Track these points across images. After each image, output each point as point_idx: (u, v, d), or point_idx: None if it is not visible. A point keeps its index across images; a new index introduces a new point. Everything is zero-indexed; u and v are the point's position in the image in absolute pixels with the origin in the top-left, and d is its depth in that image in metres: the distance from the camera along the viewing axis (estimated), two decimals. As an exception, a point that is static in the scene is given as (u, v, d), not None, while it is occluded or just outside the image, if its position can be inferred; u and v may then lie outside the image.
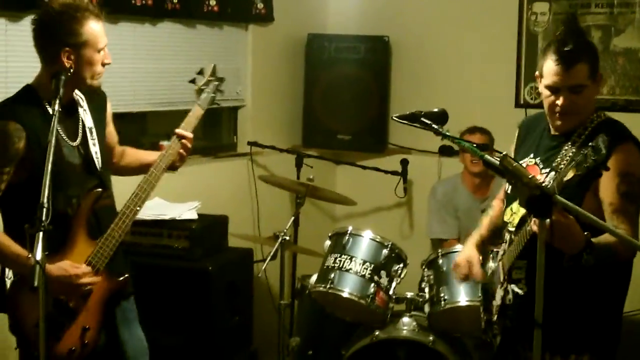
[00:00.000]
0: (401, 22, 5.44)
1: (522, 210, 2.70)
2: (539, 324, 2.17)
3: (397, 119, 2.65)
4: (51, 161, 2.46)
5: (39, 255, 2.28)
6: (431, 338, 3.74)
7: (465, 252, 3.13)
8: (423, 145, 5.22)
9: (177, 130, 3.12)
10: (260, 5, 5.00)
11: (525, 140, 2.93)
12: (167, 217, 4.04)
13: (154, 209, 4.09)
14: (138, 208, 2.96)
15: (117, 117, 4.41)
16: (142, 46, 4.37)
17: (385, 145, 5.47)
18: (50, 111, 2.69)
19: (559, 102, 2.68)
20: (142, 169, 3.15)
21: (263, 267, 4.04)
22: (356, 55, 5.34)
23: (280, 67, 5.34)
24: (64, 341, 2.83)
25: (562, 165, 2.60)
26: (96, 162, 2.93)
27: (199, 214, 4.17)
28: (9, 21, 3.71)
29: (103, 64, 2.89)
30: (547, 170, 2.71)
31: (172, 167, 3.15)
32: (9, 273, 2.84)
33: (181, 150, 3.13)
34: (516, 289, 2.71)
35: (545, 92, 2.72)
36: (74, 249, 2.85)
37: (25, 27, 3.73)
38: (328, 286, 3.74)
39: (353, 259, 3.78)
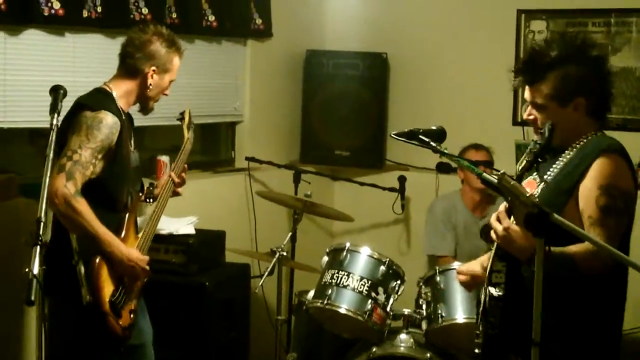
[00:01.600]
0: (400, 39, 5.46)
1: None
2: (536, 343, 2.16)
3: (395, 137, 2.66)
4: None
5: (36, 269, 2.27)
6: (428, 355, 3.73)
7: (468, 264, 3.10)
8: (421, 162, 5.23)
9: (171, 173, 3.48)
10: (258, 21, 5.02)
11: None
12: (164, 232, 4.03)
13: (151, 223, 4.09)
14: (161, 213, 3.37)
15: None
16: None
17: (383, 161, 5.48)
18: (126, 119, 3.16)
19: (525, 115, 2.77)
20: None
21: (260, 283, 4.04)
22: (354, 71, 5.36)
23: (279, 83, 5.36)
24: (122, 318, 3.08)
25: (550, 176, 2.64)
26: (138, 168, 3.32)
27: (196, 229, 4.17)
28: (8, 34, 3.72)
29: (164, 94, 3.32)
30: (540, 181, 2.73)
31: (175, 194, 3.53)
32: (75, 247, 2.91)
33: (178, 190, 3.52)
34: (492, 290, 2.66)
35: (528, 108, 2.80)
36: (128, 239, 3.17)
37: (23, 40, 3.77)
38: (325, 302, 3.73)
39: (350, 275, 3.77)
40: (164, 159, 4.52)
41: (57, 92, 2.73)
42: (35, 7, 3.70)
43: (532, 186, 2.71)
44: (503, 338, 2.69)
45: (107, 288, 3.02)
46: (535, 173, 2.79)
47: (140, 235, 3.25)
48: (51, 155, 2.57)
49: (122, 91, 3.20)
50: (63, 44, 3.95)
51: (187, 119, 3.69)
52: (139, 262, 3.13)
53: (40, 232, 2.33)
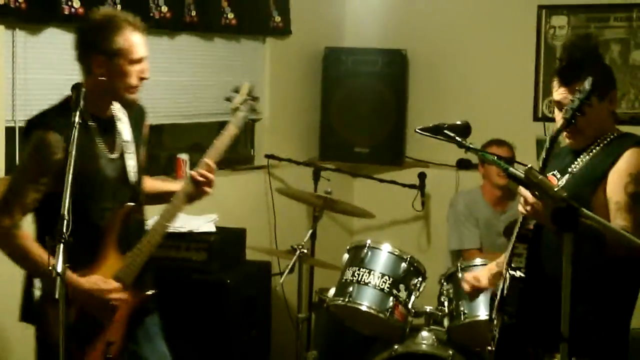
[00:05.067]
0: (419, 36, 5.44)
1: None
2: (565, 338, 2.13)
3: (420, 131, 2.65)
4: (73, 173, 2.46)
5: (60, 267, 2.28)
6: (450, 352, 3.71)
7: (475, 272, 3.17)
8: (441, 158, 5.21)
9: (192, 173, 3.00)
10: (277, 19, 5.01)
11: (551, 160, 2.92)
12: (185, 230, 4.03)
13: (172, 221, 4.09)
14: (167, 224, 2.92)
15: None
16: (160, 59, 4.36)
17: (403, 158, 5.46)
18: (91, 123, 2.77)
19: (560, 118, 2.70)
20: (156, 197, 3.06)
21: (281, 281, 4.03)
22: (373, 68, 5.34)
23: (298, 80, 5.35)
24: (88, 354, 2.81)
25: (576, 168, 2.64)
26: (131, 176, 2.90)
27: (216, 227, 4.16)
28: (28, 34, 3.72)
29: (141, 78, 2.84)
30: (560, 176, 2.75)
31: (191, 199, 3.03)
32: (37, 283, 2.82)
33: (206, 189, 3.02)
34: (513, 272, 2.65)
35: (555, 110, 2.77)
36: (105, 262, 2.82)
37: (44, 39, 3.77)
38: (346, 299, 3.72)
39: (372, 272, 3.76)
40: (184, 157, 4.53)
41: (78, 90, 2.74)
42: (56, 6, 3.70)
43: (552, 181, 2.70)
44: (520, 328, 2.68)
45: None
46: (555, 169, 2.78)
47: (132, 252, 2.86)
48: (73, 152, 2.58)
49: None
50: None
51: (241, 98, 3.16)
52: (100, 294, 2.76)
53: (64, 229, 2.34)
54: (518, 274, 2.64)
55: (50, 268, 2.30)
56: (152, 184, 3.19)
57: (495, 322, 2.77)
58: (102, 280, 2.78)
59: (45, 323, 2.75)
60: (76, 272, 2.72)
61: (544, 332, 2.57)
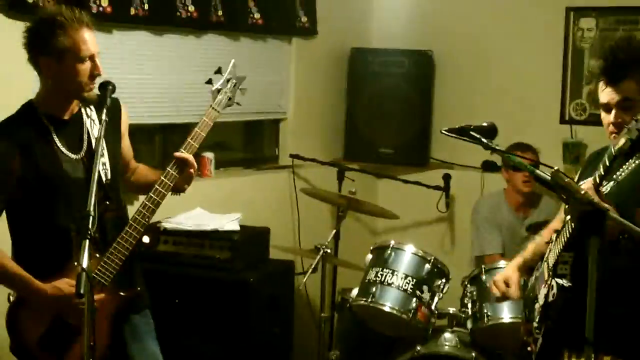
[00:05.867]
0: (446, 37, 5.42)
1: None
2: (590, 342, 2.12)
3: (446, 133, 2.64)
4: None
5: (85, 262, 2.29)
6: (473, 354, 3.70)
7: (505, 272, 3.10)
8: (465, 160, 5.19)
9: (176, 154, 2.90)
10: (304, 19, 5.01)
11: (588, 168, 2.89)
12: (209, 228, 4.05)
13: (196, 219, 4.11)
14: (146, 221, 2.81)
15: (162, 128, 4.42)
16: (187, 58, 4.39)
17: (428, 159, 5.44)
18: (49, 125, 2.73)
19: (610, 119, 2.65)
20: (147, 187, 2.92)
21: (304, 280, 4.03)
22: (399, 69, 5.33)
23: (323, 81, 5.35)
24: (66, 359, 2.76)
25: (622, 175, 2.55)
26: (102, 175, 2.78)
27: (240, 226, 4.17)
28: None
29: (93, 76, 2.74)
30: (606, 182, 2.69)
31: (178, 190, 2.97)
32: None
33: (191, 171, 2.92)
34: (560, 281, 2.64)
35: (602, 113, 2.71)
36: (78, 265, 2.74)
37: None
38: (369, 300, 3.72)
39: (395, 273, 3.76)
40: (209, 155, 4.55)
41: (105, 88, 2.76)
42: (84, 4, 3.72)
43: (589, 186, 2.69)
44: (559, 332, 2.68)
45: (35, 329, 2.73)
46: (595, 174, 2.76)
47: (108, 252, 2.75)
48: (99, 149, 2.60)
49: (40, 96, 2.80)
50: (111, 41, 3.97)
51: (222, 79, 3.05)
52: (66, 299, 2.66)
53: (90, 226, 2.36)
54: (566, 283, 2.63)
55: (75, 264, 2.32)
56: (146, 172, 3.14)
57: (535, 324, 2.77)
58: (67, 284, 2.68)
59: (17, 331, 2.74)
60: (47, 278, 2.70)
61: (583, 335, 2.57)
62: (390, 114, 5.34)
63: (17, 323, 2.75)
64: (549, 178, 2.29)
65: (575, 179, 2.86)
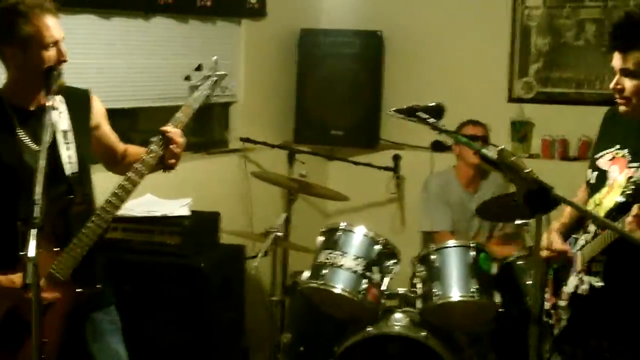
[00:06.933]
0: (394, 17, 5.43)
1: (607, 202, 2.74)
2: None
3: (393, 113, 2.64)
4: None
5: (32, 252, 2.25)
6: (424, 334, 3.72)
7: (547, 238, 2.97)
8: (415, 140, 5.21)
9: (162, 128, 2.85)
10: (253, 0, 4.97)
11: (610, 129, 2.90)
12: (158, 214, 4.01)
13: (145, 205, 4.06)
14: (118, 206, 2.74)
15: (108, 113, 4.35)
16: (134, 41, 4.33)
17: (378, 141, 5.45)
18: (12, 115, 2.68)
19: (612, 84, 2.71)
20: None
21: (255, 264, 4.01)
22: (349, 50, 5.33)
23: (273, 63, 5.32)
24: (20, 355, 2.66)
25: None
26: (66, 168, 2.70)
27: (191, 211, 4.14)
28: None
29: (60, 62, 2.69)
30: (637, 164, 2.72)
31: (168, 167, 2.91)
32: None
33: (172, 147, 2.85)
34: (594, 282, 2.72)
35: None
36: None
37: (72, 25, 3.74)
38: (320, 282, 3.72)
39: (345, 254, 3.76)
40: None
41: (50, 74, 2.67)
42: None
43: (620, 164, 2.74)
44: (587, 322, 2.78)
45: None
46: (624, 148, 2.77)
47: (68, 247, 2.68)
48: (46, 138, 2.54)
49: (7, 87, 2.77)
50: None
51: (200, 75, 3.04)
52: (20, 292, 2.45)
53: (35, 215, 2.31)
54: (598, 284, 2.71)
55: (20, 254, 2.27)
56: (137, 151, 3.03)
57: (561, 302, 2.87)
58: (21, 277, 2.49)
59: None
60: (6, 271, 2.62)
61: (612, 327, 2.67)
62: (340, 95, 5.34)
63: None
64: (496, 157, 2.30)
65: (594, 142, 2.90)
